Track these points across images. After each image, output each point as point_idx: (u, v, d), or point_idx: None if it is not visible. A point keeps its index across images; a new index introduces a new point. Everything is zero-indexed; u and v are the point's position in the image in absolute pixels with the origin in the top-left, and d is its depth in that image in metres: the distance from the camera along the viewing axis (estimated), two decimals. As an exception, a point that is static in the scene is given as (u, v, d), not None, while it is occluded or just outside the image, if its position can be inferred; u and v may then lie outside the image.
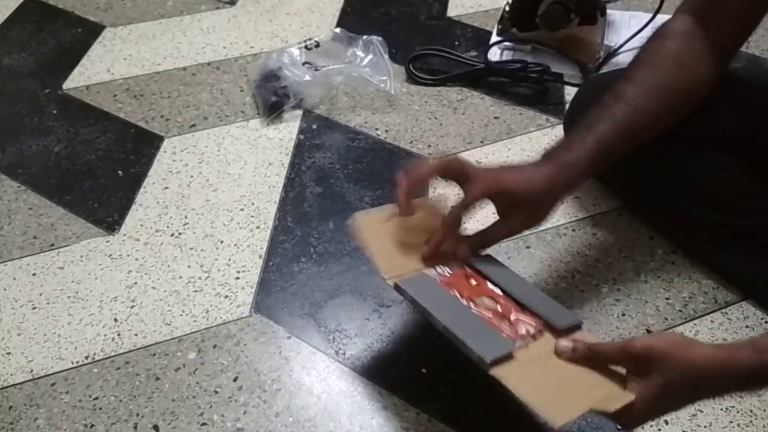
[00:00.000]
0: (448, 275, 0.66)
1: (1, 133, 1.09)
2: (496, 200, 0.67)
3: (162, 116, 1.10)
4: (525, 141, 1.04)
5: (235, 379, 0.76)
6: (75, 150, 1.05)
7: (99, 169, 1.02)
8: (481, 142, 1.04)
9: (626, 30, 1.19)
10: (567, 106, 1.05)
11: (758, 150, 0.80)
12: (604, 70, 1.13)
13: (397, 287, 0.63)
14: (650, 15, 1.14)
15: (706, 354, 0.54)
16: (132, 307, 0.83)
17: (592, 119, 0.71)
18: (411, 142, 1.04)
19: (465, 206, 0.67)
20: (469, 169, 0.67)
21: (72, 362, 0.78)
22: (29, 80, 1.19)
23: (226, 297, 0.84)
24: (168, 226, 0.93)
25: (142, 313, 0.82)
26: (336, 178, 0.99)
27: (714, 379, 0.54)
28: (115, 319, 0.82)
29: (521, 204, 0.67)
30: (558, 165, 0.68)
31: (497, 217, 0.70)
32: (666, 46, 0.74)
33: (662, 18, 0.81)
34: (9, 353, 0.79)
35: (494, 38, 1.21)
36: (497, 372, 0.56)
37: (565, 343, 0.59)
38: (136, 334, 0.80)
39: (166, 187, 0.98)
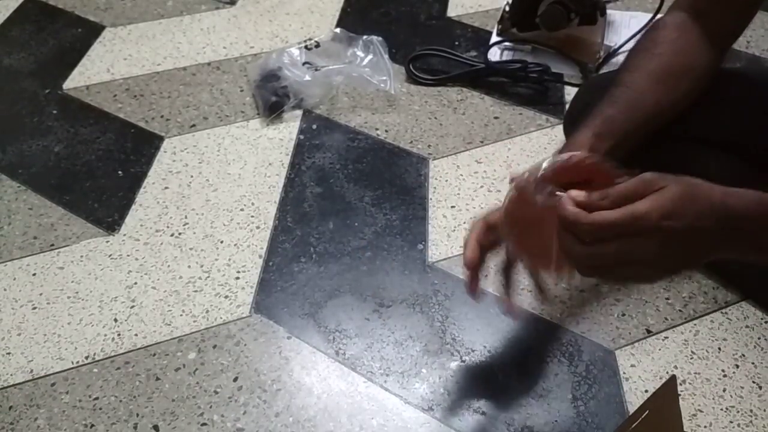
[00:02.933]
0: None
1: (1, 133, 1.09)
2: None
3: (162, 116, 1.10)
4: (525, 141, 1.04)
5: (235, 379, 0.76)
6: (75, 150, 1.05)
7: (99, 169, 1.02)
8: (481, 142, 1.04)
9: (626, 30, 1.19)
10: (567, 106, 1.05)
11: (759, 150, 0.80)
12: (604, 70, 1.13)
13: None
14: (650, 15, 1.14)
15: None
16: (132, 307, 0.83)
17: (596, 107, 0.71)
18: (411, 142, 1.04)
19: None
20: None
21: (72, 362, 0.78)
22: (29, 80, 1.19)
23: (226, 297, 0.84)
24: (168, 226, 0.93)
25: (142, 313, 0.82)
26: (336, 178, 0.99)
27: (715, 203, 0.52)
28: (115, 319, 0.82)
29: None
30: (571, 148, 0.67)
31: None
32: (661, 35, 0.75)
33: (662, 18, 0.82)
34: (9, 353, 0.79)
35: (494, 38, 1.21)
36: None
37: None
38: (136, 334, 0.80)
39: (166, 187, 0.98)
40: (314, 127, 1.07)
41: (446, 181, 0.98)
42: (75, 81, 1.18)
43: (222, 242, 0.90)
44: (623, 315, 0.80)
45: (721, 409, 0.72)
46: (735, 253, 0.57)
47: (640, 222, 0.50)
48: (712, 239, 0.52)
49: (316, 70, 1.10)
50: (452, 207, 0.94)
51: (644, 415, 0.54)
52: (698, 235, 0.52)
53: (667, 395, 0.59)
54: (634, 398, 0.73)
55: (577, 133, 0.70)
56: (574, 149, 0.68)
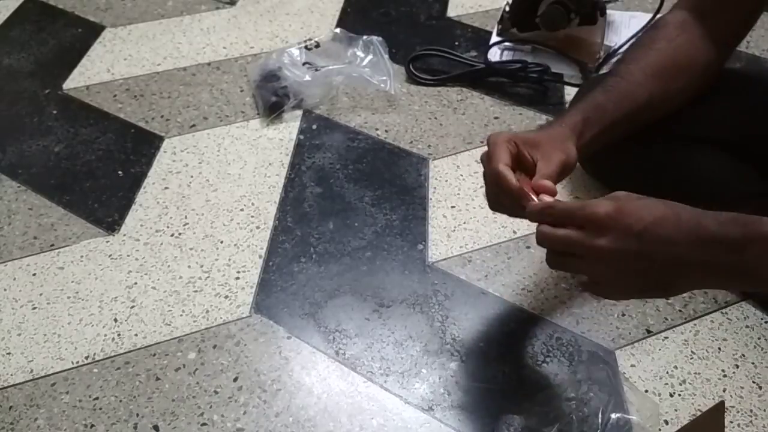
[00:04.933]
0: None
1: (1, 133, 1.09)
2: (523, 151, 0.67)
3: (162, 116, 1.10)
4: (525, 141, 1.03)
5: (235, 379, 0.76)
6: (75, 150, 1.05)
7: (99, 170, 1.02)
8: (481, 142, 1.04)
9: (626, 30, 1.19)
10: (567, 106, 1.05)
11: (758, 150, 0.80)
12: (604, 70, 1.13)
13: None
14: (650, 15, 1.14)
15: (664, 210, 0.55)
16: (132, 307, 0.83)
17: (589, 92, 0.73)
18: (411, 142, 1.04)
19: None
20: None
21: (72, 362, 0.78)
22: (29, 80, 1.19)
23: (226, 297, 0.84)
24: (168, 226, 0.93)
25: (142, 313, 0.82)
26: (336, 178, 0.99)
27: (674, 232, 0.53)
28: (115, 319, 0.82)
29: (545, 144, 0.67)
30: (559, 124, 0.69)
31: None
32: (661, 32, 0.76)
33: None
34: (9, 353, 0.79)
35: (494, 38, 1.21)
36: None
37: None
38: (136, 334, 0.80)
39: (166, 187, 0.98)
40: (314, 127, 1.07)
41: (446, 181, 0.98)
42: (75, 81, 1.18)
43: (222, 242, 0.90)
44: (623, 315, 0.80)
45: (721, 409, 0.72)
46: (730, 283, 0.58)
47: (589, 210, 0.55)
48: (686, 262, 0.53)
49: (316, 70, 1.10)
50: (452, 207, 0.94)
51: None
52: (662, 249, 0.53)
53: (713, 421, 0.56)
54: (634, 398, 0.73)
55: (567, 114, 0.71)
56: (561, 128, 0.69)
